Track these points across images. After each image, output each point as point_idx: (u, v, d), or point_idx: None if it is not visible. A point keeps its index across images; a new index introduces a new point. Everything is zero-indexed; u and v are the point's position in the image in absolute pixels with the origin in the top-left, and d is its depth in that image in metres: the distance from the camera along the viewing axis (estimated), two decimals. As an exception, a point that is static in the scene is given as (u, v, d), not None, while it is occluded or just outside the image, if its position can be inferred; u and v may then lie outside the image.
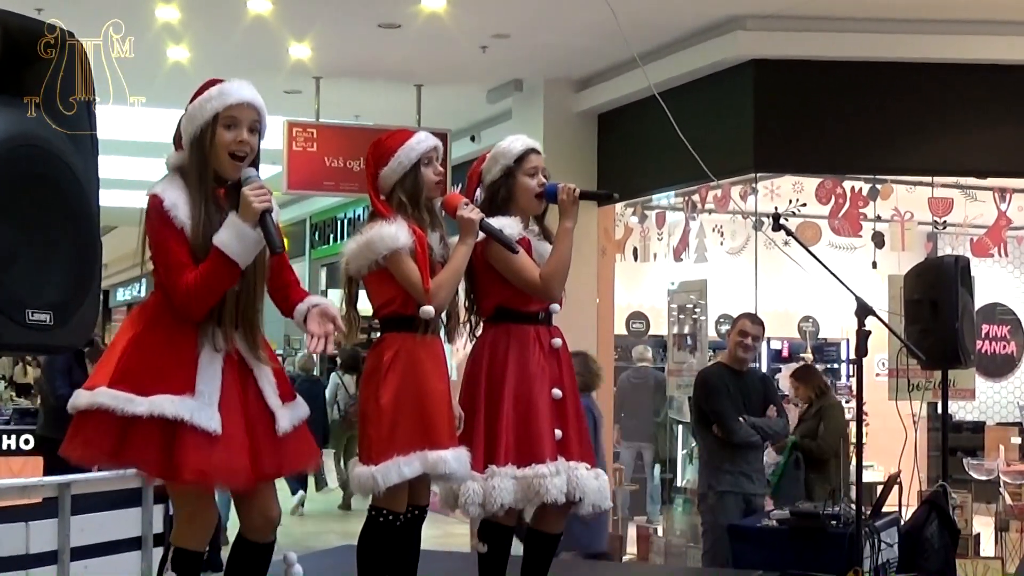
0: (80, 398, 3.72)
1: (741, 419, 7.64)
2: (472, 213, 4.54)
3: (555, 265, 4.74)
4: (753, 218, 10.41)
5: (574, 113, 11.58)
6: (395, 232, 4.36)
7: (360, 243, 4.40)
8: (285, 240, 4.02)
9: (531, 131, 11.21)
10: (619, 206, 11.89)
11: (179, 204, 3.76)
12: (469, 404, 4.68)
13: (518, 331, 4.77)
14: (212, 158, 3.84)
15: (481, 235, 4.61)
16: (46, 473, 9.90)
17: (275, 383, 3.96)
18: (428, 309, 4.40)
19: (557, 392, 4.77)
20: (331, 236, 18.90)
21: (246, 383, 3.88)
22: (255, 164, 3.92)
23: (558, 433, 4.73)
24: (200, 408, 3.70)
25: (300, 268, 19.52)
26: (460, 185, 4.94)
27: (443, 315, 4.59)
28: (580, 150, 11.49)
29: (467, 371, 4.76)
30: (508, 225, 4.69)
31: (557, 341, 4.85)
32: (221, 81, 3.92)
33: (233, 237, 3.72)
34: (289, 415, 3.96)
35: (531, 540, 4.90)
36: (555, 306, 4.88)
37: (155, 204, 3.77)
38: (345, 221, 18.51)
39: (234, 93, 3.87)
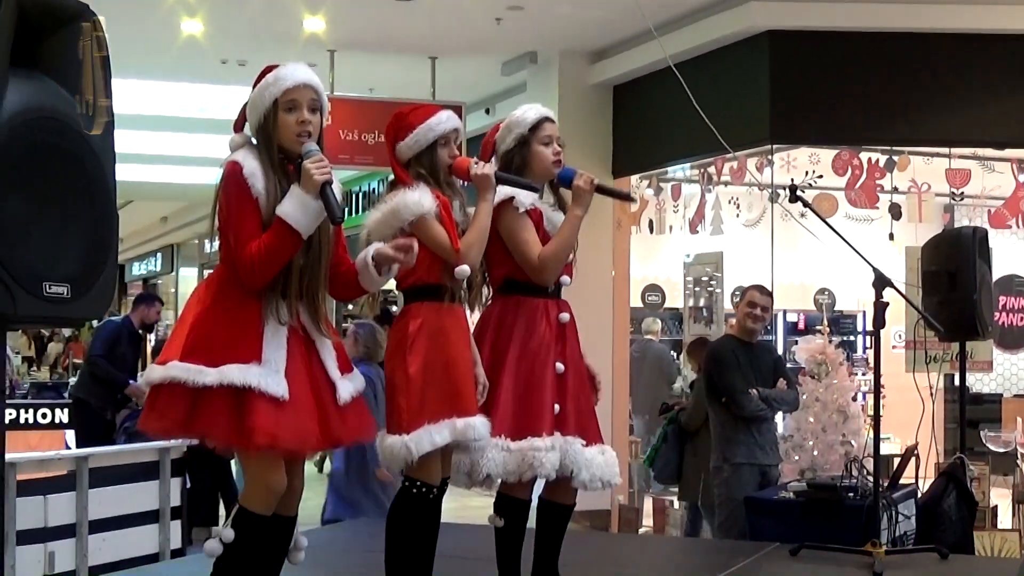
0: (154, 372, 3.86)
1: (752, 392, 7.63)
2: (485, 168, 4.54)
3: (556, 248, 4.73)
4: (769, 190, 10.39)
5: (589, 85, 11.55)
6: (419, 198, 4.36)
7: (384, 211, 4.40)
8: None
9: (546, 103, 11.13)
10: (635, 178, 11.87)
11: (257, 174, 3.89)
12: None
13: (527, 304, 4.77)
14: (280, 140, 3.97)
15: (500, 196, 4.63)
16: (76, 435, 9.99)
17: (335, 355, 4.09)
18: (463, 268, 4.41)
19: (560, 366, 4.77)
20: (345, 209, 18.92)
21: (310, 354, 4.01)
22: (319, 141, 4.02)
23: (556, 407, 4.73)
24: (267, 375, 3.82)
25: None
26: (476, 158, 4.90)
27: (464, 284, 4.59)
28: (595, 122, 11.46)
29: (476, 340, 4.76)
30: (523, 195, 4.70)
31: (565, 316, 4.85)
32: (275, 68, 4.04)
33: (296, 207, 3.86)
34: (349, 386, 4.08)
35: (543, 511, 4.92)
36: (565, 279, 4.88)
37: (235, 171, 3.88)
38: (360, 194, 18.49)
39: (290, 76, 4.00)
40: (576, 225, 4.76)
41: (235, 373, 3.77)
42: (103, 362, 10.47)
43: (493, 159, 4.87)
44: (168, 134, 15.96)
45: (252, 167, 3.87)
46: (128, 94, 12.60)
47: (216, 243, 4.04)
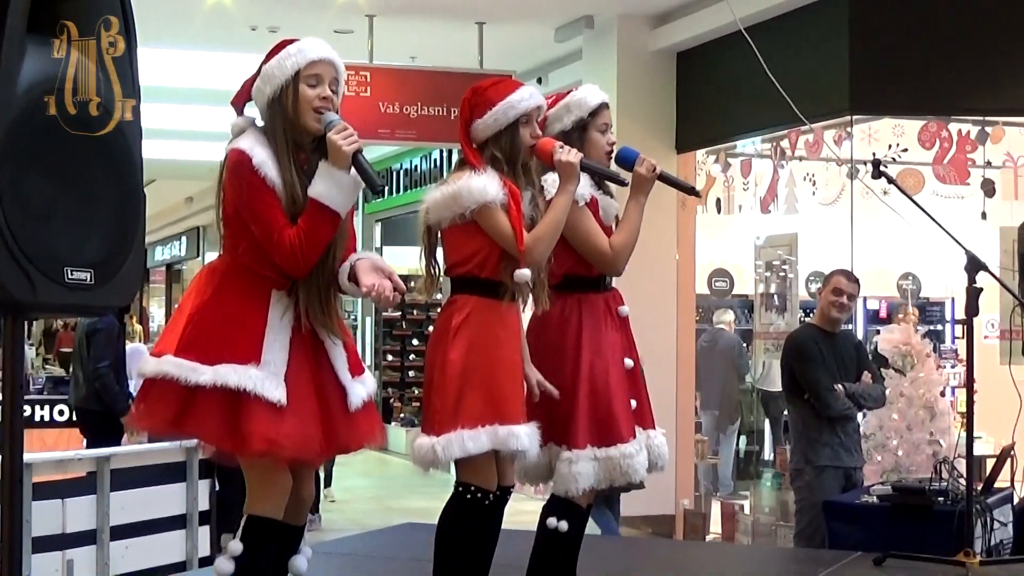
0: (147, 365, 3.89)
1: (838, 387, 7.58)
2: (570, 155, 4.50)
3: (626, 236, 4.80)
4: (848, 165, 10.31)
5: (650, 52, 11.49)
6: (484, 185, 4.34)
7: (446, 194, 4.39)
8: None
9: (603, 72, 11.20)
10: (700, 153, 11.81)
11: (268, 163, 3.89)
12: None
13: (589, 301, 4.79)
14: (296, 116, 3.98)
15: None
16: (86, 442, 9.99)
17: (346, 356, 4.10)
18: (523, 272, 4.38)
19: (629, 362, 4.83)
20: (385, 188, 18.95)
21: (318, 355, 4.03)
22: None
23: (633, 403, 4.77)
24: (266, 378, 3.84)
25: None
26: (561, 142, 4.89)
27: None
28: (657, 92, 11.41)
29: (535, 343, 4.75)
30: (581, 186, 4.71)
31: (625, 309, 4.92)
32: (295, 41, 4.07)
33: (331, 186, 3.89)
34: (360, 390, 4.11)
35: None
36: None
37: (243, 161, 3.88)
38: (400, 172, 18.53)
39: (315, 50, 4.04)
40: (641, 212, 4.84)
41: (231, 374, 3.80)
42: (111, 378, 9.75)
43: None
44: (194, 107, 16.03)
45: (261, 157, 3.88)
46: (151, 64, 12.65)
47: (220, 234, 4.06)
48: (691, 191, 5.23)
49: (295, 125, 3.97)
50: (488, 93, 4.50)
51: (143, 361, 3.94)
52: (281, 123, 3.97)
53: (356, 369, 4.13)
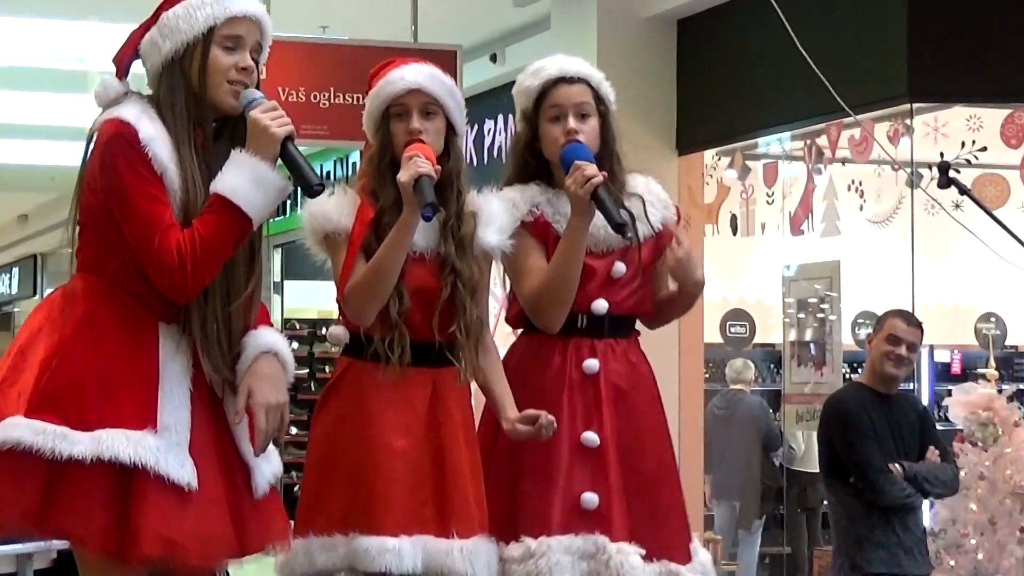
0: None
1: (894, 467, 7.59)
2: (405, 173, 4.36)
3: (549, 278, 4.69)
4: (908, 170, 10.37)
5: (642, 19, 11.50)
6: (324, 210, 4.38)
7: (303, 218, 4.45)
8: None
9: (579, 47, 11.21)
10: (709, 154, 11.80)
11: (159, 141, 3.78)
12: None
13: (546, 348, 4.74)
14: (203, 88, 3.87)
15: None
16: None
17: (248, 421, 3.97)
18: (335, 331, 4.40)
19: (592, 437, 4.71)
20: (287, 205, 18.87)
21: (218, 417, 3.90)
22: None
23: (591, 499, 4.66)
24: (167, 449, 3.67)
25: (244, 251, 19.49)
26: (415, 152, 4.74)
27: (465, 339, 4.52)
28: (650, 73, 11.40)
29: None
30: (519, 197, 4.69)
31: (591, 363, 4.79)
32: None
33: (247, 180, 3.78)
34: (266, 470, 4.02)
35: None
36: (600, 303, 4.84)
37: (126, 134, 3.76)
38: (308, 182, 18.47)
39: (239, 2, 3.91)
40: (576, 241, 4.67)
41: (120, 444, 3.61)
42: None
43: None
44: (31, 94, 15.98)
45: (151, 132, 3.76)
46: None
47: (75, 243, 3.91)
48: (619, 229, 4.66)
49: (199, 100, 3.87)
50: (370, 82, 4.53)
51: None
52: (181, 94, 3.86)
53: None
